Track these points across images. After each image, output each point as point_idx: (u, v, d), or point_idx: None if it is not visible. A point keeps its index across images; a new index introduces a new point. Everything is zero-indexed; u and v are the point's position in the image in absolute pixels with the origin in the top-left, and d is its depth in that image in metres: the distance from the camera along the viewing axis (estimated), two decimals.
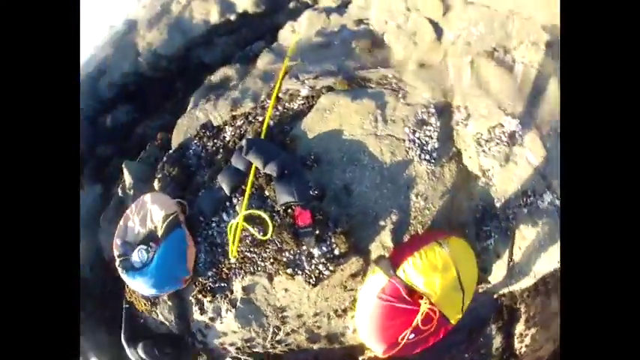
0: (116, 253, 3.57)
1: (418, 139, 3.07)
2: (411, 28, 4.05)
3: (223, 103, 3.98)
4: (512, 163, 3.03)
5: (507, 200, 3.03)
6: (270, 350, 3.54)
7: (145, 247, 3.42)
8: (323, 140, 3.22)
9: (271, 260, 3.10)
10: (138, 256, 3.40)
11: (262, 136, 3.35)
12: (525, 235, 2.99)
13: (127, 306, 3.99)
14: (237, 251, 3.13)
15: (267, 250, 3.11)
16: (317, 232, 2.94)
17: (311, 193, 3.03)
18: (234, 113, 3.84)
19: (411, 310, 2.81)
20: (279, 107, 3.57)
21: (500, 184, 3.05)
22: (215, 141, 3.78)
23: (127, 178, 4.58)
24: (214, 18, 10.03)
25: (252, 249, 3.15)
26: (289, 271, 3.06)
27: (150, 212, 3.48)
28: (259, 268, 3.16)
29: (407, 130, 3.08)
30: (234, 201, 3.29)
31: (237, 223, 3.06)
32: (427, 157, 3.03)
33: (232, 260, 3.18)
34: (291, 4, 7.70)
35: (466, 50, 3.63)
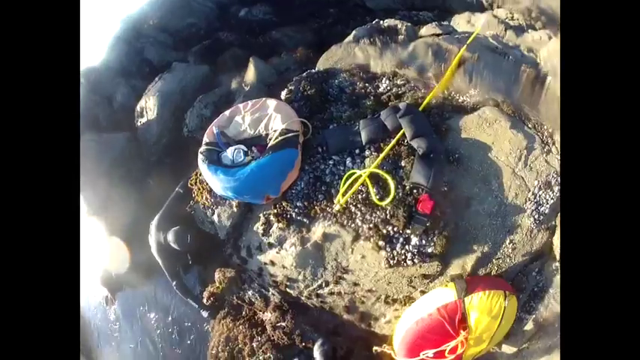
0: (206, 139, 3.45)
1: (539, 196, 3.14)
2: None
3: (390, 56, 3.86)
4: None
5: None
6: (302, 298, 3.57)
7: (246, 149, 3.32)
8: (472, 146, 3.23)
9: (370, 225, 3.09)
10: (233, 154, 3.28)
11: (421, 108, 3.29)
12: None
13: (182, 191, 3.89)
14: (344, 203, 3.10)
15: (374, 215, 3.09)
16: (428, 224, 2.97)
17: (443, 187, 3.04)
18: (397, 70, 3.74)
19: (450, 335, 2.90)
20: (446, 92, 3.52)
21: None
22: (367, 85, 3.68)
23: (251, 74, 4.50)
24: None
25: (359, 205, 3.11)
26: (380, 243, 3.07)
27: (269, 118, 3.35)
28: (352, 225, 3.14)
29: (536, 183, 3.17)
30: (366, 152, 3.22)
31: (362, 175, 3.03)
32: (536, 215, 3.10)
33: (336, 207, 3.14)
34: None
35: None
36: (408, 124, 3.09)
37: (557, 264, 3.13)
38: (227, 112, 3.56)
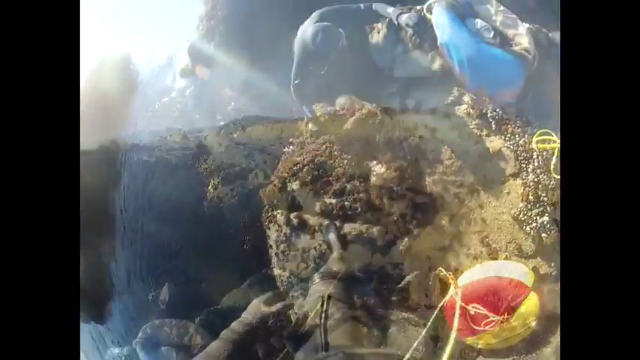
0: (141, 334, 4.32)
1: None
2: (426, 285, 4.77)
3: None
4: None
5: None
6: None
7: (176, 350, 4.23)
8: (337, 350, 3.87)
9: None
10: (165, 351, 4.15)
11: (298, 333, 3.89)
12: None
13: None
14: None
15: None
16: None
17: None
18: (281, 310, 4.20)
19: (497, 308, 3.10)
20: (317, 320, 3.95)
21: None
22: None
23: (165, 294, 6.20)
24: None
25: None
26: None
27: (191, 335, 4.35)
28: None
29: (399, 353, 3.55)
30: None
31: None
32: None
33: None
34: None
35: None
36: (290, 344, 3.64)
37: None
38: (156, 322, 4.63)
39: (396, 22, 4.02)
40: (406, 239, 4.91)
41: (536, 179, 3.51)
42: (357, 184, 4.62)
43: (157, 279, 8.48)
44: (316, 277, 3.99)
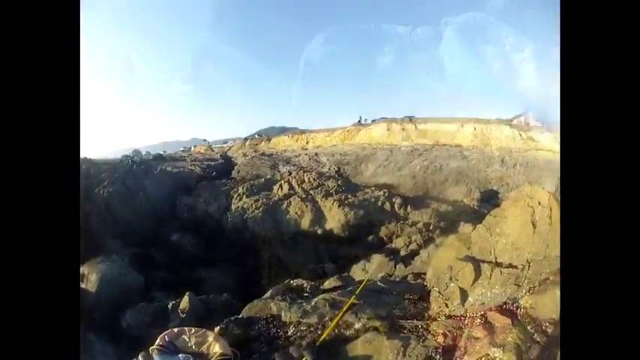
0: (159, 342, 4.39)
1: None
2: (447, 294, 5.33)
3: (296, 309, 5.32)
4: None
5: None
6: None
7: (193, 358, 4.30)
8: None
9: None
10: (183, 358, 4.26)
11: (317, 344, 4.55)
12: None
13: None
14: None
15: None
16: None
17: None
18: (301, 320, 5.12)
19: None
20: (336, 330, 4.79)
21: None
22: (279, 330, 5.06)
23: (186, 304, 6.14)
24: (305, 223, 12.31)
25: None
26: None
27: (210, 344, 4.45)
28: None
29: None
30: None
31: None
32: None
33: None
34: (370, 238, 12.20)
35: (481, 308, 4.76)
36: (309, 354, 4.32)
37: None
38: (175, 330, 4.64)
39: None
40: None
41: None
42: None
43: (178, 288, 8.61)
44: None
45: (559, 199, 4.94)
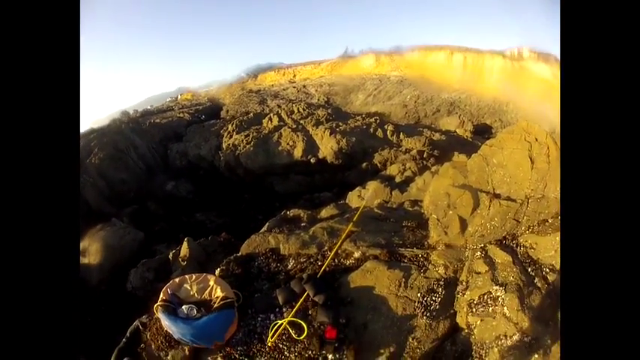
0: (162, 297, 4.35)
1: (425, 301, 4.16)
2: (446, 222, 5.37)
3: (294, 240, 5.30)
4: (491, 318, 3.88)
5: (482, 344, 3.82)
6: None
7: (197, 307, 4.29)
8: (359, 291, 4.41)
9: (296, 354, 4.00)
10: (187, 310, 4.26)
11: (318, 276, 4.59)
12: None
13: (141, 328, 4.57)
14: (274, 342, 4.08)
15: (296, 347, 4.03)
16: (336, 344, 3.92)
17: (341, 320, 4.11)
18: (300, 252, 5.13)
19: None
20: (336, 259, 4.85)
21: (479, 333, 3.89)
22: (279, 265, 5.06)
23: (185, 251, 6.02)
24: (297, 154, 12.43)
25: (284, 343, 4.09)
26: None
27: (212, 288, 4.45)
28: (282, 357, 4.02)
29: (419, 295, 4.22)
30: (283, 310, 4.37)
31: (283, 323, 4.13)
32: (428, 314, 4.06)
33: (268, 345, 4.09)
34: (364, 165, 11.64)
35: (481, 240, 4.83)
36: (310, 287, 4.36)
37: (467, 330, 3.93)
38: (177, 280, 4.63)
39: None
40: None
41: None
42: None
43: (178, 236, 8.66)
44: None
45: (556, 140, 4.98)
